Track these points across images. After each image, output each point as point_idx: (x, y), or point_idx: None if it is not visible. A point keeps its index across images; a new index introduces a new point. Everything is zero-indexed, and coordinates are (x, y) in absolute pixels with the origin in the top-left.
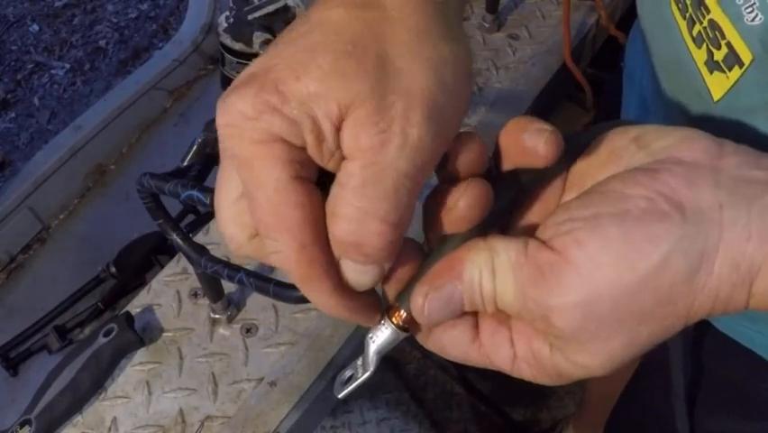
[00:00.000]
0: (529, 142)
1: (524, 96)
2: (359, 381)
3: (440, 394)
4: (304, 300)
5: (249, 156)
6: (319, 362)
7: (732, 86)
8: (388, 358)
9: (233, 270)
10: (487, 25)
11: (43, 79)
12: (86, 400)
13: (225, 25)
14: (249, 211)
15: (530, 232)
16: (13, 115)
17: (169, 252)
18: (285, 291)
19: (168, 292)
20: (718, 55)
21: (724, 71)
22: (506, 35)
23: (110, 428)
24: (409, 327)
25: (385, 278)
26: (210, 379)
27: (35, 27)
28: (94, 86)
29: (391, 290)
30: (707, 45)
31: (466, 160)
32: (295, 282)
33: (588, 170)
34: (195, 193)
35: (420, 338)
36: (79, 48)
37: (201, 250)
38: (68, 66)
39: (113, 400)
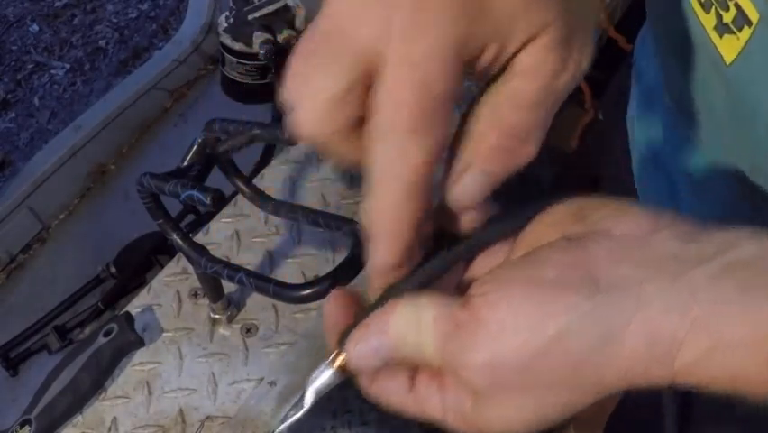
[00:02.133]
0: (455, 213)
1: None
2: (293, 418)
3: None
4: (304, 300)
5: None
6: (319, 362)
7: (743, 46)
8: None
9: (233, 270)
10: None
11: (43, 79)
12: (86, 400)
13: (225, 25)
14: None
15: None
16: (13, 115)
17: (169, 252)
18: (285, 291)
19: (168, 292)
20: (727, 17)
21: (734, 32)
22: None
23: (110, 428)
24: (351, 371)
25: (329, 325)
26: (210, 379)
27: (35, 27)
28: (94, 86)
29: (335, 336)
30: (715, 9)
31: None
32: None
33: (530, 240)
34: (195, 193)
35: (364, 386)
36: (79, 48)
37: (201, 250)
38: (68, 66)
39: (113, 400)
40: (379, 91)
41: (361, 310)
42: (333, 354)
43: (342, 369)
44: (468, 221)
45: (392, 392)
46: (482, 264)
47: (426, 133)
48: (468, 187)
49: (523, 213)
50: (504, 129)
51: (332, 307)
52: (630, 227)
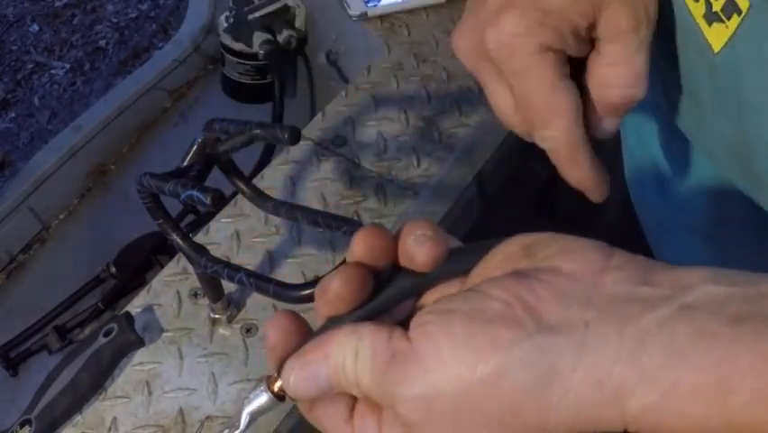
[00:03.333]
0: (411, 247)
1: None
2: None
3: None
4: (304, 300)
5: (526, 66)
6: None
7: (731, 35)
8: None
9: (233, 270)
10: None
11: (43, 79)
12: (86, 400)
13: (225, 25)
14: (523, 112)
15: None
16: (13, 115)
17: (169, 252)
18: (285, 291)
19: (168, 292)
20: (717, 5)
21: (723, 21)
22: None
23: (110, 428)
24: (288, 397)
25: (270, 347)
26: (210, 379)
27: (35, 27)
28: (94, 86)
29: (274, 360)
30: None
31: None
32: (560, 163)
33: (481, 275)
34: (195, 193)
35: (303, 410)
36: (79, 48)
37: (201, 250)
38: (68, 66)
39: (113, 400)
40: None
41: (304, 336)
42: (270, 379)
43: (280, 394)
44: (424, 254)
45: (330, 420)
46: (432, 298)
47: (560, 120)
48: (608, 128)
49: (476, 250)
50: (615, 86)
51: (274, 328)
52: (579, 266)
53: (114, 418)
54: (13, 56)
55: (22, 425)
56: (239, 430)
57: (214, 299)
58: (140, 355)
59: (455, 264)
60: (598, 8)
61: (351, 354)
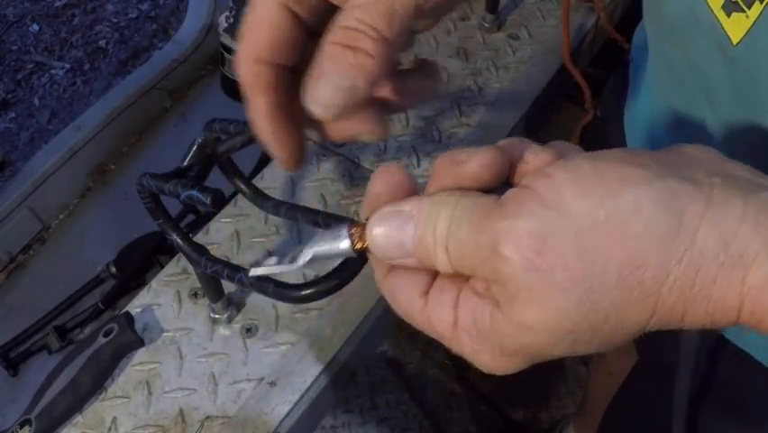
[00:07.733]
0: (559, 153)
1: (524, 96)
2: (279, 268)
3: (440, 394)
4: (304, 300)
5: None
6: (319, 362)
7: (752, 25)
8: (388, 358)
9: (233, 270)
10: (487, 25)
11: (43, 79)
12: (86, 400)
13: (225, 25)
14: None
15: None
16: (13, 115)
17: (169, 252)
18: (285, 291)
19: (168, 292)
20: None
21: (743, 10)
22: (506, 35)
23: (110, 428)
24: (365, 253)
25: (373, 197)
26: (210, 379)
27: (35, 27)
28: (94, 86)
29: (370, 210)
30: None
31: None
32: (244, 94)
33: None
34: (195, 193)
35: (378, 276)
36: (79, 48)
37: (201, 250)
38: (68, 66)
39: (113, 400)
40: None
41: (410, 195)
42: (353, 226)
43: (355, 246)
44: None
45: (403, 290)
46: None
47: (247, 43)
48: (320, 93)
49: None
50: (342, 27)
51: (383, 177)
52: (700, 153)
53: (114, 418)
54: (13, 56)
55: (22, 425)
56: (296, 265)
57: (214, 299)
58: (140, 355)
59: None
60: None
61: (448, 209)
